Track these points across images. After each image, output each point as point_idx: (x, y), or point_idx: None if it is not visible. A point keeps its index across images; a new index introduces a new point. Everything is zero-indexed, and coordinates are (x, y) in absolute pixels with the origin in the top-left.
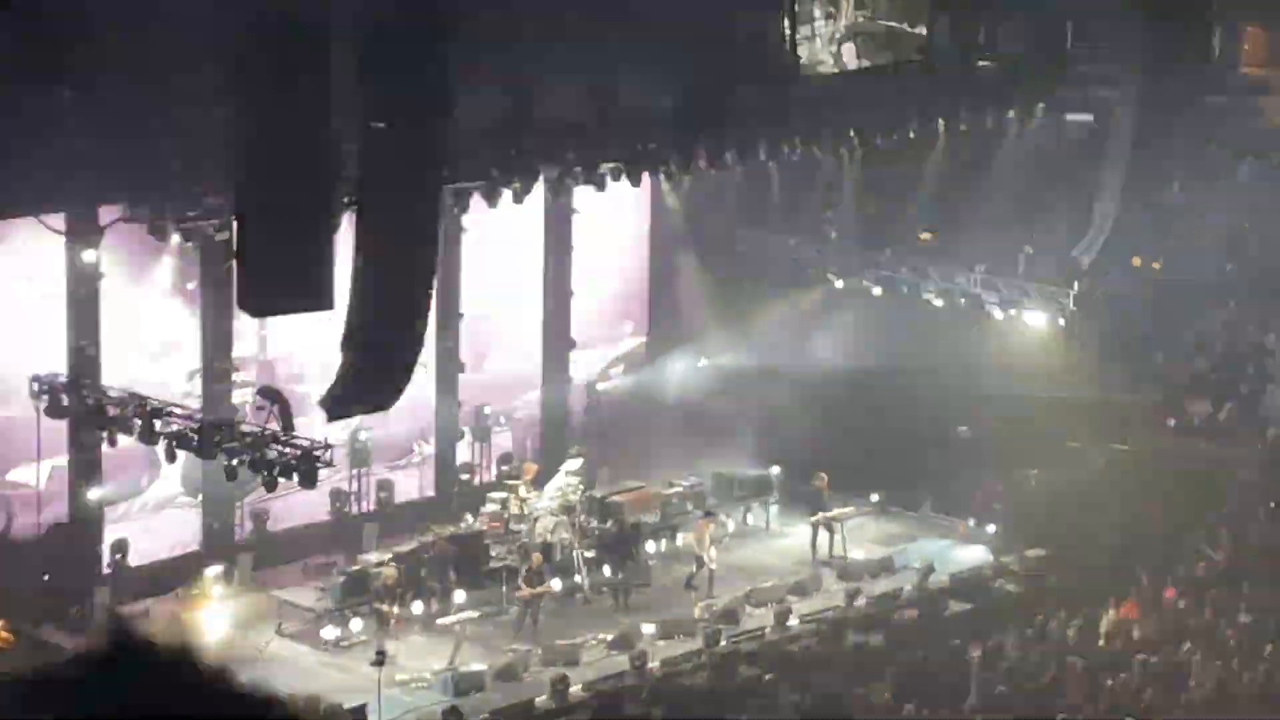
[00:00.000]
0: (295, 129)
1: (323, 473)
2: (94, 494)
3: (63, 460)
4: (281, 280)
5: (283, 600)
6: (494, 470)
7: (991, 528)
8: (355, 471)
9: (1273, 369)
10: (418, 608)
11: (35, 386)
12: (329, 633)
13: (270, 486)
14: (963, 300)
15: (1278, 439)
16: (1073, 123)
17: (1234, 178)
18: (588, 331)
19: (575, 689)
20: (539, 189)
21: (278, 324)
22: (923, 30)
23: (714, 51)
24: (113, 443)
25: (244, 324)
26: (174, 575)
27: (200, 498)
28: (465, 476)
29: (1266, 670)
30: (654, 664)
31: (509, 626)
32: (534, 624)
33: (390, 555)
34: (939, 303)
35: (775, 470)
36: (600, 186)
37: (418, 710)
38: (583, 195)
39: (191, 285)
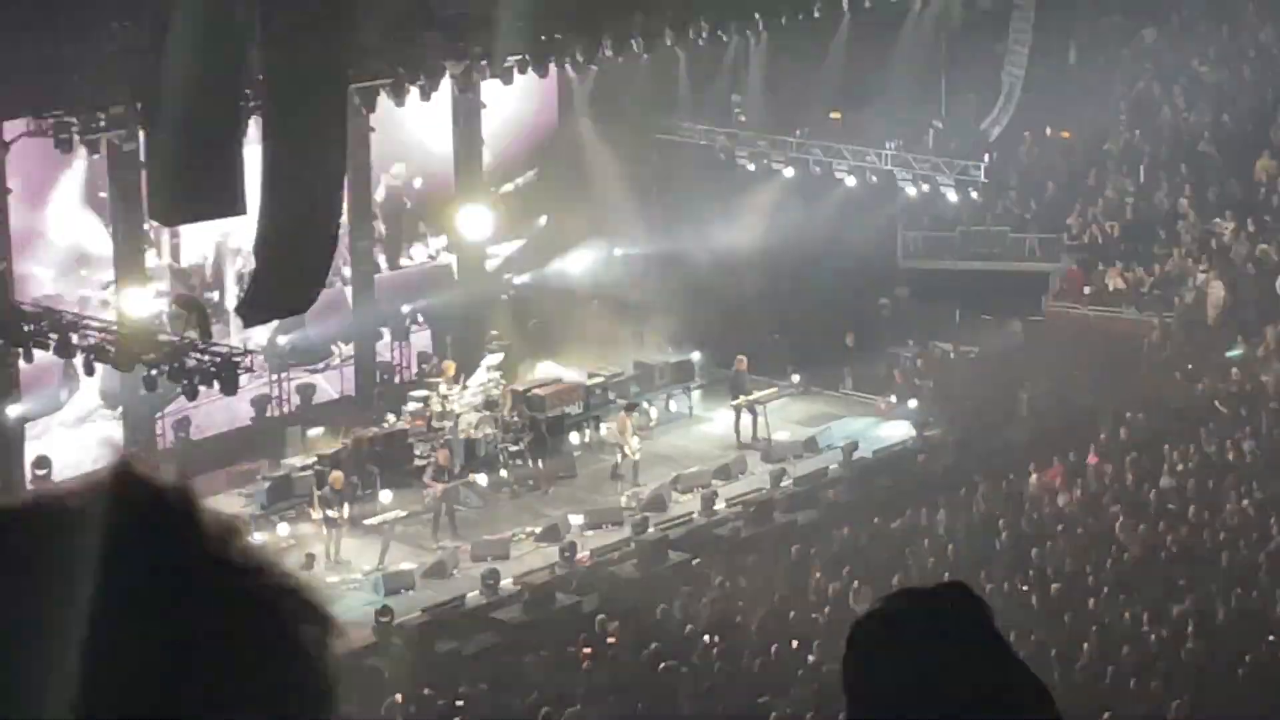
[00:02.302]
0: (199, 34)
1: (243, 379)
2: (12, 411)
3: None
4: (191, 188)
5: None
6: (414, 369)
7: (913, 402)
8: (275, 376)
9: (1184, 233)
10: (344, 509)
11: None
12: (256, 539)
13: (191, 395)
14: (874, 178)
15: (1191, 303)
16: None
17: (1138, 43)
18: (500, 224)
19: (505, 583)
20: (445, 84)
21: (190, 231)
22: None
23: None
24: (29, 358)
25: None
26: None
27: (120, 410)
28: (386, 376)
29: (1190, 531)
30: (583, 554)
31: None
32: (451, 520)
33: (314, 458)
34: (851, 181)
35: (695, 356)
36: (507, 80)
37: (349, 611)
38: (490, 88)
39: (103, 195)
